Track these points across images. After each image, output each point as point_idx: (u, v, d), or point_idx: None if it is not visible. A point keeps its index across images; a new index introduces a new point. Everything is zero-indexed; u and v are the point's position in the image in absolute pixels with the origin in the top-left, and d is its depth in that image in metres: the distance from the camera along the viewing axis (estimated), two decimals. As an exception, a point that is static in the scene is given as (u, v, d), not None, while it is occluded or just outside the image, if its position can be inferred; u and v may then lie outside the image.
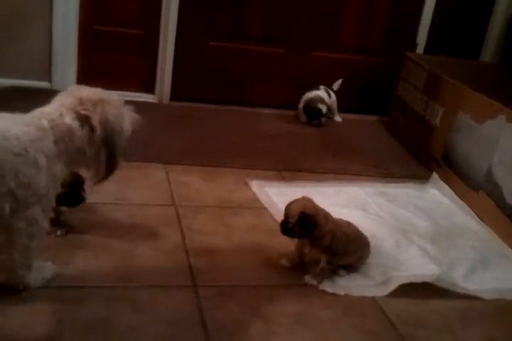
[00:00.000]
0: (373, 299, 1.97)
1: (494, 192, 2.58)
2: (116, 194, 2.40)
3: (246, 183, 2.69)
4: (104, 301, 1.76)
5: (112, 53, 3.68)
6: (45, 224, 1.69)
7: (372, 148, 3.42)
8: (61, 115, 1.64)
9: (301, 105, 3.72)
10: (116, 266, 1.95)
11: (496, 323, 1.94)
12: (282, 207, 2.02)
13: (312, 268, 2.03)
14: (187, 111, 3.63)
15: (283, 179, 2.84)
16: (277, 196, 2.54)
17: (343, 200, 2.63)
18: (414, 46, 4.02)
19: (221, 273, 2.00)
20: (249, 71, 3.89)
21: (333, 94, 3.79)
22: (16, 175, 1.54)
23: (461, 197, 2.79)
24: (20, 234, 1.64)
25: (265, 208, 2.49)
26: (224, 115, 3.66)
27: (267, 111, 3.85)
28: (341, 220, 2.07)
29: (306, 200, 1.98)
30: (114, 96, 1.74)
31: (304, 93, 3.74)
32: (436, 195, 2.86)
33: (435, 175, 3.01)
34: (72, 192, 1.98)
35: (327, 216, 1.99)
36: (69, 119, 1.64)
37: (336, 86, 3.86)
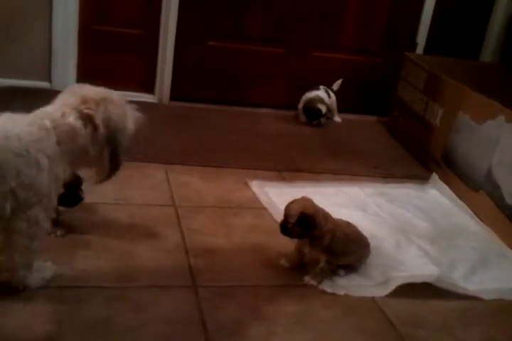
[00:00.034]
0: (373, 299, 1.97)
1: (494, 193, 2.58)
2: (116, 194, 2.40)
3: (246, 183, 2.69)
4: (104, 301, 1.76)
5: (111, 53, 3.68)
6: (47, 225, 1.69)
7: (372, 149, 3.42)
8: (64, 115, 1.63)
9: (300, 105, 3.72)
10: (116, 266, 1.95)
11: (496, 323, 1.94)
12: (282, 207, 2.02)
13: (312, 268, 2.03)
14: (187, 111, 3.63)
15: (283, 179, 2.84)
16: (277, 196, 2.54)
17: (343, 200, 2.63)
18: (414, 46, 4.02)
19: (221, 274, 2.00)
20: (249, 71, 3.89)
21: (332, 95, 3.80)
22: (18, 175, 1.54)
23: (460, 198, 2.79)
24: (20, 234, 1.64)
25: (265, 208, 2.49)
26: (224, 115, 3.66)
27: (266, 111, 3.85)
28: (341, 220, 2.07)
29: (305, 200, 1.98)
30: (117, 95, 1.73)
31: (303, 93, 3.74)
32: (436, 196, 2.86)
33: (435, 176, 3.01)
34: (69, 193, 1.98)
35: (327, 216, 1.99)
36: (72, 119, 1.63)
37: (335, 86, 3.87)
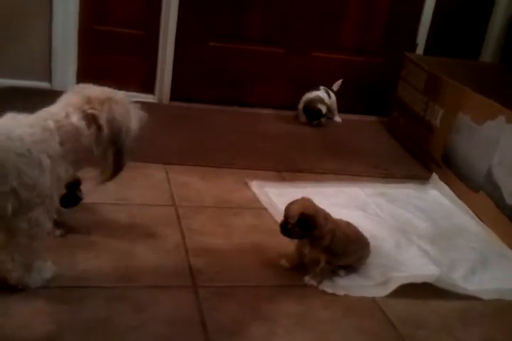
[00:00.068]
0: (373, 299, 1.97)
1: (494, 193, 2.58)
2: (116, 194, 2.40)
3: (246, 184, 2.69)
4: (104, 301, 1.76)
5: (111, 53, 3.68)
6: (48, 226, 1.69)
7: (372, 149, 3.42)
8: (67, 115, 1.63)
9: (300, 105, 3.72)
10: (116, 266, 1.95)
11: (496, 324, 1.94)
12: (282, 207, 2.01)
13: (312, 268, 2.03)
14: (187, 112, 3.63)
15: (283, 179, 2.84)
16: (277, 196, 2.54)
17: (343, 201, 2.63)
18: (414, 46, 4.02)
19: (221, 274, 2.00)
20: (249, 71, 3.89)
21: (332, 95, 3.80)
22: (19, 175, 1.54)
23: (461, 198, 2.79)
24: (22, 234, 1.64)
25: (265, 208, 2.49)
26: (224, 115, 3.66)
27: (266, 111, 3.85)
28: (341, 221, 2.06)
29: (305, 201, 1.98)
30: (121, 95, 1.73)
31: (303, 93, 3.74)
32: (436, 196, 2.86)
33: (435, 176, 3.01)
34: (68, 193, 1.97)
35: (327, 216, 1.99)
36: (75, 119, 1.63)
37: (335, 86, 3.87)
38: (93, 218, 2.23)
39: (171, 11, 3.58)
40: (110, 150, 1.67)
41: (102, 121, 1.64)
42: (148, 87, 3.74)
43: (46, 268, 1.81)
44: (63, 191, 1.72)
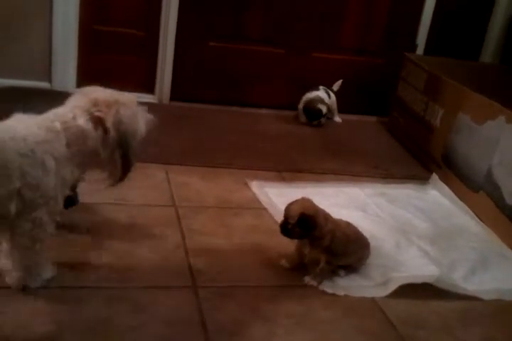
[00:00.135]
0: (373, 300, 1.97)
1: (494, 193, 2.58)
2: (116, 194, 2.40)
3: (246, 184, 2.69)
4: (104, 301, 1.76)
5: (112, 53, 3.68)
6: (51, 228, 1.68)
7: (372, 149, 3.42)
8: (74, 117, 1.63)
9: (301, 105, 3.72)
10: (116, 266, 1.95)
11: (496, 324, 1.94)
12: (282, 207, 2.01)
13: (312, 268, 2.03)
14: (187, 112, 3.63)
15: (283, 179, 2.84)
16: (277, 197, 2.54)
17: (343, 201, 2.63)
18: (414, 47, 4.02)
19: (221, 274, 2.00)
20: (249, 71, 3.89)
21: (332, 95, 3.80)
22: (22, 175, 1.54)
23: (461, 198, 2.79)
24: (23, 235, 1.65)
25: (265, 209, 2.49)
26: (224, 115, 3.66)
27: (266, 111, 3.85)
28: (341, 221, 2.06)
29: (305, 201, 1.98)
30: (129, 97, 1.73)
31: (303, 93, 3.74)
32: (436, 196, 2.86)
33: (435, 176, 3.01)
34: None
35: (327, 217, 1.99)
36: (82, 121, 1.63)
37: (336, 86, 3.87)
38: (93, 218, 2.23)
39: (171, 11, 3.59)
40: (117, 153, 1.67)
41: (109, 123, 1.63)
42: (149, 87, 3.75)
43: (46, 269, 1.80)
44: (68, 193, 1.71)
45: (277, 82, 3.95)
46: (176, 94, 3.77)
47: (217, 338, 1.69)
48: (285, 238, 2.00)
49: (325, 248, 1.97)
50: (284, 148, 3.23)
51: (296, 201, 1.97)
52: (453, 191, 2.86)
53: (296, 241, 2.04)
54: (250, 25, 3.79)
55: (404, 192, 2.85)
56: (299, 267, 2.06)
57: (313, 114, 3.66)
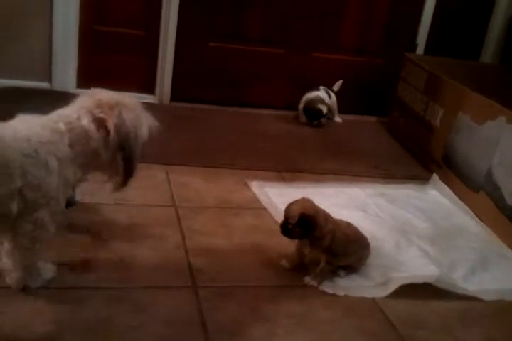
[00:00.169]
0: (373, 300, 1.97)
1: (494, 193, 2.58)
2: (117, 194, 2.38)
3: (246, 184, 2.69)
4: (104, 301, 1.76)
5: (112, 54, 3.68)
6: (52, 228, 1.68)
7: (372, 149, 3.42)
8: (78, 118, 1.64)
9: (301, 106, 3.72)
10: (117, 266, 1.95)
11: (496, 324, 1.94)
12: (282, 207, 2.01)
13: (312, 269, 2.03)
14: (187, 112, 3.63)
15: (283, 180, 2.84)
16: (277, 197, 2.54)
17: (343, 201, 2.63)
18: (414, 47, 4.02)
19: (221, 274, 2.00)
20: (249, 71, 3.89)
21: (333, 95, 3.80)
22: (24, 175, 1.55)
23: (461, 198, 2.79)
24: (25, 235, 1.65)
25: (265, 209, 2.49)
26: (224, 116, 3.66)
27: (266, 111, 3.85)
28: (341, 221, 2.06)
29: (306, 201, 1.98)
30: (133, 101, 1.73)
31: (303, 93, 3.74)
32: (436, 196, 2.86)
33: (435, 176, 3.01)
34: None
35: (327, 217, 1.99)
36: (86, 122, 1.63)
37: (336, 87, 3.86)
38: (93, 218, 2.23)
39: (171, 11, 3.59)
40: (119, 155, 1.67)
41: (110, 125, 1.64)
42: (149, 88, 3.75)
43: (46, 269, 1.81)
44: (70, 193, 1.71)
45: (277, 82, 3.95)
46: (176, 95, 3.77)
47: (217, 338, 1.69)
48: (285, 238, 2.00)
49: (325, 248, 1.97)
50: (284, 148, 3.23)
51: (297, 201, 1.97)
52: (453, 191, 2.86)
53: (296, 241, 2.04)
54: (250, 24, 3.79)
55: (405, 192, 2.85)
56: (299, 267, 2.06)
57: (313, 114, 3.66)
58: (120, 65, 3.70)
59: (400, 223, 2.51)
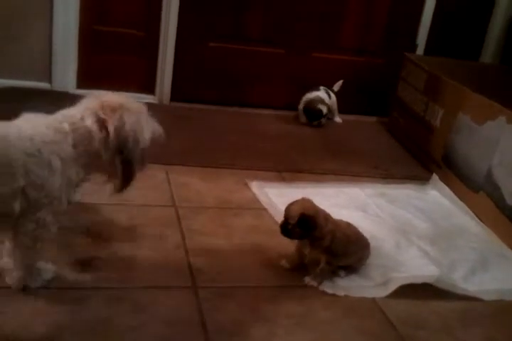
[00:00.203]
0: (373, 300, 1.97)
1: (494, 193, 2.58)
2: (117, 195, 2.40)
3: (246, 184, 2.69)
4: (104, 302, 1.76)
5: (112, 54, 3.68)
6: (54, 228, 1.69)
7: (372, 149, 3.42)
8: (82, 118, 1.65)
9: (301, 106, 3.72)
10: (116, 266, 1.95)
11: (496, 324, 1.94)
12: (282, 208, 2.01)
13: (312, 269, 2.03)
14: (187, 112, 3.63)
15: (283, 180, 2.84)
16: (277, 197, 2.54)
17: (343, 201, 2.63)
18: (414, 47, 4.02)
19: (221, 274, 2.00)
20: (249, 72, 3.89)
21: (333, 95, 3.80)
22: (27, 174, 1.55)
23: (461, 198, 2.79)
24: (26, 234, 1.65)
25: (265, 209, 2.49)
26: (224, 116, 3.66)
27: (266, 111, 3.85)
28: (341, 221, 2.06)
29: (305, 201, 1.98)
30: (138, 105, 1.74)
31: (303, 94, 3.74)
32: (436, 196, 2.86)
33: (435, 176, 3.01)
34: None
35: (327, 217, 1.99)
36: (89, 122, 1.64)
37: (336, 87, 3.87)
38: (93, 218, 2.23)
39: (171, 12, 3.59)
40: (118, 158, 1.67)
41: (111, 127, 1.64)
42: (149, 88, 3.75)
43: (47, 269, 1.81)
44: (73, 194, 1.71)
45: (277, 82, 3.95)
46: (176, 95, 3.77)
47: (217, 338, 1.69)
48: (285, 238, 2.00)
49: (325, 248, 1.97)
50: (284, 149, 3.23)
51: (297, 201, 1.97)
52: (453, 191, 2.86)
53: (296, 241, 2.04)
54: (250, 25, 3.79)
55: (405, 193, 2.85)
56: (299, 267, 2.06)
57: (313, 114, 3.66)
58: (120, 65, 3.70)
59: (400, 223, 2.51)
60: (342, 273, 2.06)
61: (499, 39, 4.05)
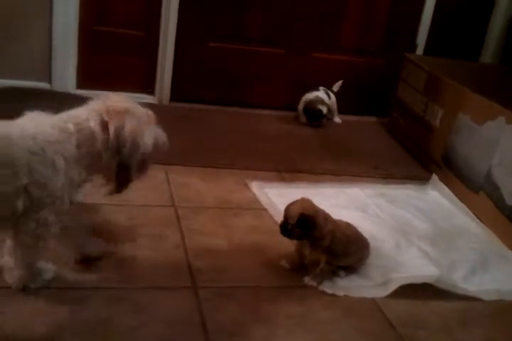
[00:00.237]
0: (373, 300, 1.97)
1: (494, 194, 2.58)
2: (117, 195, 2.40)
3: (246, 184, 2.69)
4: (104, 302, 1.76)
5: (112, 54, 3.68)
6: (55, 228, 1.69)
7: (372, 150, 3.42)
8: (87, 119, 1.66)
9: (301, 106, 3.72)
10: (116, 266, 1.95)
11: (496, 324, 1.94)
12: (282, 208, 2.01)
13: (312, 269, 2.03)
14: (187, 112, 3.63)
15: (283, 180, 2.84)
16: (277, 197, 2.54)
17: (343, 201, 2.63)
18: (414, 47, 4.02)
19: (221, 274, 2.00)
20: (249, 72, 3.89)
21: (332, 95, 3.80)
22: (30, 172, 1.56)
23: (460, 199, 2.79)
24: (27, 233, 1.65)
25: (265, 209, 2.49)
26: (224, 116, 3.66)
27: (266, 112, 3.85)
28: (341, 221, 2.06)
29: (305, 201, 1.98)
30: (143, 111, 1.75)
31: (303, 94, 3.74)
32: (436, 197, 2.86)
33: (435, 177, 3.01)
34: None
35: (327, 217, 1.99)
36: (94, 123, 1.65)
37: (336, 87, 3.87)
38: (94, 219, 2.23)
39: (171, 12, 3.59)
40: (114, 160, 1.67)
41: (111, 128, 1.65)
42: (149, 88, 3.74)
43: (47, 269, 1.81)
44: (75, 194, 1.72)
45: (277, 83, 3.95)
46: (175, 95, 3.77)
47: (217, 338, 1.69)
48: (285, 238, 2.00)
49: (325, 248, 1.97)
50: (284, 149, 3.23)
51: (296, 201, 1.97)
52: (453, 192, 2.86)
53: (296, 241, 2.04)
54: (250, 25, 3.79)
55: (405, 193, 2.85)
56: (299, 268, 2.06)
57: (313, 114, 3.66)
58: (120, 65, 3.70)
59: (399, 223, 2.51)
60: (342, 273, 2.06)
61: (499, 39, 4.05)
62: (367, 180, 2.94)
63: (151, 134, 1.73)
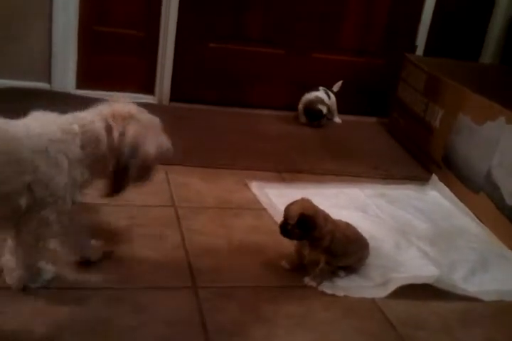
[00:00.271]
0: (373, 300, 1.96)
1: (494, 194, 2.58)
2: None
3: (246, 184, 2.69)
4: (104, 302, 1.76)
5: (112, 54, 3.68)
6: (57, 228, 1.69)
7: (372, 150, 3.42)
8: (93, 121, 1.67)
9: (301, 106, 3.72)
10: (116, 266, 1.95)
11: (496, 325, 1.94)
12: (282, 208, 2.01)
13: (312, 269, 2.03)
14: (187, 112, 3.63)
15: (283, 180, 2.84)
16: (277, 197, 2.54)
17: (343, 202, 2.63)
18: (413, 48, 4.02)
19: (221, 274, 2.00)
20: (249, 72, 3.89)
21: (332, 96, 3.80)
22: (34, 171, 1.56)
23: (461, 199, 2.79)
24: (29, 233, 1.66)
25: (265, 209, 2.49)
26: (224, 116, 3.66)
27: (266, 112, 3.85)
28: (341, 221, 2.06)
29: (305, 202, 1.98)
30: (148, 117, 1.76)
31: (303, 94, 3.74)
32: (436, 197, 2.86)
33: (435, 177, 3.01)
34: None
35: (326, 217, 1.99)
36: (98, 126, 1.67)
37: (336, 87, 3.87)
38: (94, 219, 2.23)
39: (171, 12, 3.59)
40: (113, 164, 1.68)
41: (115, 133, 1.66)
42: (148, 88, 3.74)
43: (47, 269, 1.81)
44: (78, 194, 1.72)
45: (277, 83, 3.95)
46: (175, 95, 3.77)
47: (218, 338, 1.69)
48: (285, 238, 2.00)
49: (324, 248, 1.97)
50: (284, 149, 3.23)
51: (296, 201, 1.97)
52: (453, 192, 2.86)
53: (295, 241, 2.04)
54: (250, 25, 3.79)
55: (404, 193, 2.85)
56: (299, 268, 2.06)
57: (313, 114, 3.66)
58: (120, 65, 3.70)
59: (399, 224, 2.51)
60: (342, 273, 2.06)
61: (499, 39, 4.05)
62: (367, 181, 2.94)
63: (154, 141, 1.73)
